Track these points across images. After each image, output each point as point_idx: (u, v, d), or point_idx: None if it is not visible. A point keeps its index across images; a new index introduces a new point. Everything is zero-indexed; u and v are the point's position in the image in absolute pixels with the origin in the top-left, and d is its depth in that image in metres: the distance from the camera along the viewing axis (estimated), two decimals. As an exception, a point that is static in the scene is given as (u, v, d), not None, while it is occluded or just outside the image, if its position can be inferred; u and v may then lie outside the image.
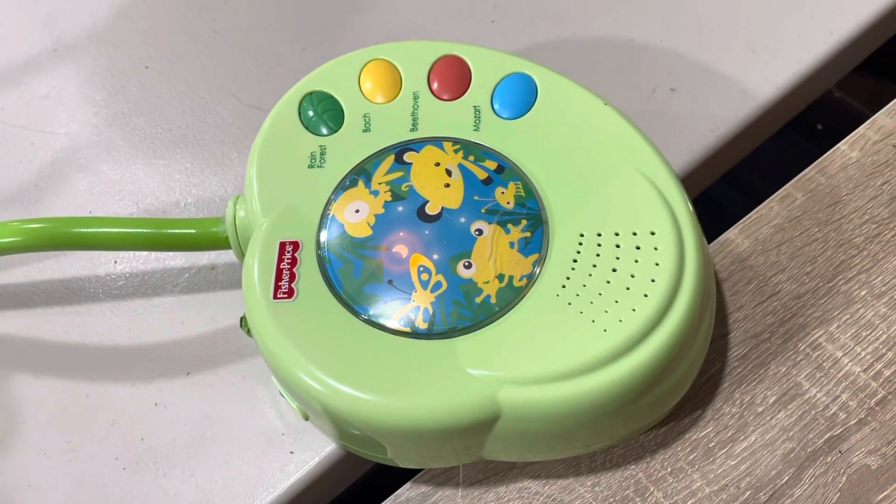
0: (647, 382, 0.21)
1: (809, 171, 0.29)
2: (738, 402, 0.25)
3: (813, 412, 0.25)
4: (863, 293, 0.27)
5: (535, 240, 0.23)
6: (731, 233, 0.29)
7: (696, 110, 0.31)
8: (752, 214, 0.29)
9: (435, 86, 0.26)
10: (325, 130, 0.26)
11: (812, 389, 0.25)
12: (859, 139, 0.30)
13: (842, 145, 0.30)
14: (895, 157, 0.29)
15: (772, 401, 0.25)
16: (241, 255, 0.26)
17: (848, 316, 0.26)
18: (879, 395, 0.25)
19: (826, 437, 0.24)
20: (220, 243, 0.26)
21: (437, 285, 0.22)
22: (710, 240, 0.29)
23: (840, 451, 0.24)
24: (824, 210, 0.28)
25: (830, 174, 0.29)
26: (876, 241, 0.28)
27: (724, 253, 0.28)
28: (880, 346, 0.26)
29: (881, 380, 0.25)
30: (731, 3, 0.34)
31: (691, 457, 0.25)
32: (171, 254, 0.30)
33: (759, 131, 0.32)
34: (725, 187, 0.41)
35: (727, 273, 0.28)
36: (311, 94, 0.26)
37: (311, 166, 0.25)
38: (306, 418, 0.24)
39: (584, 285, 0.22)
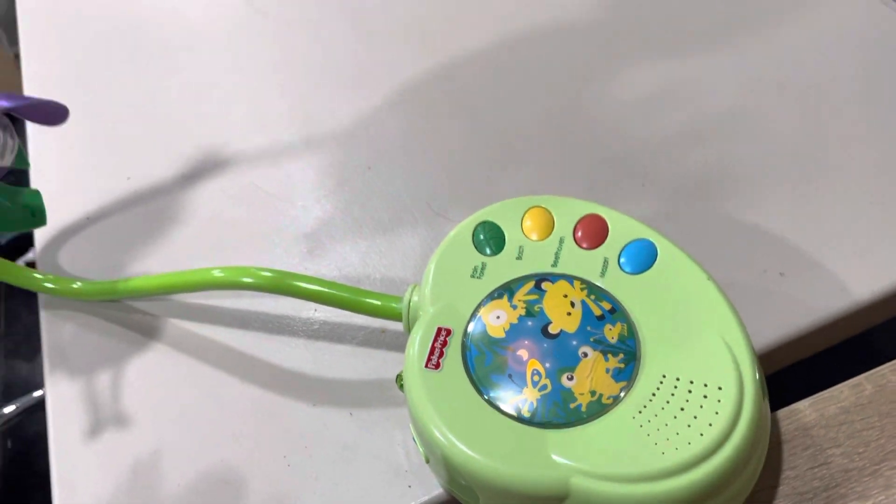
0: (688, 500, 0.26)
1: (883, 369, 0.33)
2: (772, 544, 0.29)
3: (835, 570, 0.29)
4: (905, 483, 0.30)
5: (627, 371, 0.29)
6: (802, 404, 0.33)
7: (796, 296, 0.36)
8: (824, 393, 0.33)
9: (578, 234, 0.33)
10: (488, 251, 0.33)
11: (839, 551, 0.29)
12: (935, 351, 0.33)
13: (918, 353, 0.33)
14: (964, 374, 0.33)
15: (801, 551, 0.29)
16: (408, 329, 0.34)
17: (884, 497, 0.30)
18: (897, 572, 0.28)
19: None
20: (395, 316, 0.35)
21: (544, 387, 0.29)
22: (783, 405, 0.33)
23: None
24: (888, 404, 0.32)
25: (902, 375, 0.33)
26: (928, 441, 0.31)
27: (792, 419, 0.33)
28: (909, 531, 0.29)
29: (902, 559, 0.28)
30: (852, 209, 0.39)
31: (721, 578, 0.29)
32: (356, 314, 0.39)
33: (848, 326, 0.36)
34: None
35: (790, 436, 0.32)
36: (485, 222, 0.34)
37: (472, 276, 0.33)
38: (427, 461, 0.31)
39: (656, 415, 0.28)
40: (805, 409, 0.33)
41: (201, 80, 0.55)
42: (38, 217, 0.42)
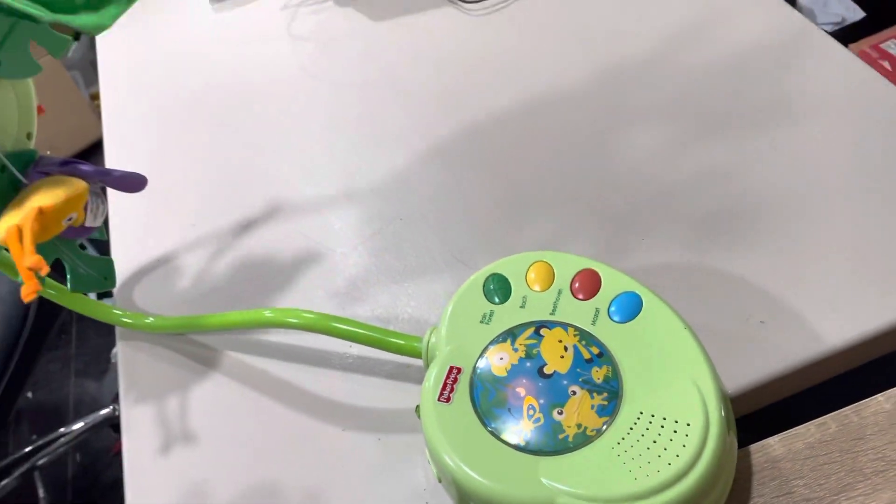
0: (654, 521, 0.31)
1: (847, 410, 0.37)
2: (738, 562, 0.34)
3: (791, 586, 0.32)
4: (858, 512, 0.34)
5: (609, 408, 0.34)
6: (773, 439, 0.37)
7: (775, 342, 0.40)
8: (793, 430, 0.37)
9: (575, 286, 0.38)
10: (496, 300, 0.38)
11: (796, 570, 0.33)
12: (894, 394, 0.37)
13: (879, 396, 0.37)
14: (920, 416, 0.36)
15: (762, 569, 0.33)
16: (427, 365, 0.39)
17: (841, 525, 0.34)
18: (845, 590, 0.32)
19: None
20: (416, 354, 0.40)
21: (537, 420, 0.34)
22: (755, 440, 0.37)
23: None
24: (848, 442, 0.36)
25: (863, 416, 0.37)
26: (881, 475, 0.35)
27: (762, 452, 0.37)
28: (858, 555, 0.33)
29: (851, 579, 0.32)
30: (828, 263, 0.43)
31: (691, 590, 0.33)
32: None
33: (819, 371, 0.40)
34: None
35: (760, 467, 0.36)
36: (494, 274, 0.39)
37: (481, 322, 0.38)
38: (440, 481, 0.36)
39: (632, 446, 0.32)
40: (774, 444, 0.37)
41: (258, 138, 0.62)
42: (110, 281, 0.48)
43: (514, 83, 0.59)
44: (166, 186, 0.60)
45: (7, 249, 0.37)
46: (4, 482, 1.20)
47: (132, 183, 0.42)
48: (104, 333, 1.41)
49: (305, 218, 0.54)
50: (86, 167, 0.38)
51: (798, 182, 0.47)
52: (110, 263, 0.49)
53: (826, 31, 0.57)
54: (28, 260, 0.31)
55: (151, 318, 0.48)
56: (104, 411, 1.24)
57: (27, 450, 1.22)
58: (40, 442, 1.22)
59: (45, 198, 0.33)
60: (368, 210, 0.53)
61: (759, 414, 0.40)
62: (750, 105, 0.53)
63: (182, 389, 0.46)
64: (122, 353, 0.50)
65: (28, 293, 0.31)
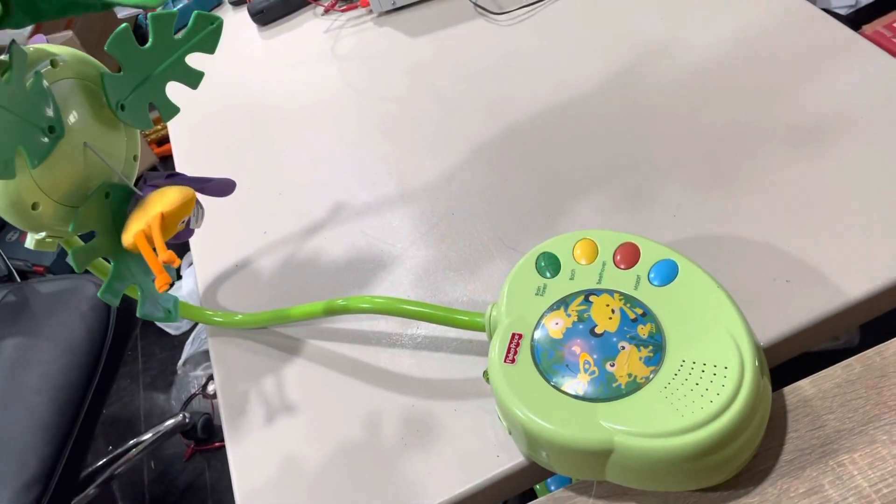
0: (700, 451, 0.35)
1: (870, 352, 0.41)
2: (779, 487, 0.38)
3: (826, 505, 0.37)
4: (884, 438, 0.38)
5: (655, 358, 0.38)
6: (803, 382, 0.41)
7: (801, 299, 0.44)
8: (822, 372, 0.41)
9: (617, 258, 0.43)
10: (548, 275, 0.43)
11: (830, 491, 0.37)
12: (912, 336, 0.41)
13: (899, 338, 0.41)
14: (936, 352, 0.40)
15: (801, 491, 0.37)
16: (490, 336, 0.44)
17: (869, 450, 0.38)
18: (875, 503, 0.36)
19: (831, 522, 0.36)
20: (479, 328, 0.45)
21: (593, 373, 0.38)
22: (788, 383, 0.41)
23: (839, 533, 0.36)
24: (872, 379, 0.40)
25: (885, 357, 0.41)
26: (904, 406, 0.39)
27: (795, 394, 0.41)
28: (885, 474, 0.37)
29: (879, 494, 0.36)
30: (845, 227, 0.47)
31: (739, 514, 0.37)
32: (449, 328, 0.49)
33: (841, 322, 0.44)
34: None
35: (793, 406, 0.40)
36: (544, 252, 0.44)
37: (536, 294, 0.42)
38: (509, 433, 0.41)
39: (677, 389, 0.37)
40: (805, 386, 0.41)
41: (314, 152, 0.68)
42: (174, 315, 0.50)
43: (544, 84, 0.64)
44: (237, 201, 0.66)
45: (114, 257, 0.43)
46: (85, 493, 1.27)
47: (225, 188, 0.48)
48: (168, 348, 1.48)
49: (365, 220, 0.59)
50: (188, 177, 0.43)
51: (812, 155, 0.51)
52: (176, 300, 0.51)
53: (841, 14, 0.61)
54: (162, 255, 0.36)
55: (240, 316, 0.54)
56: (173, 420, 1.31)
57: (104, 460, 1.29)
58: (116, 452, 1.29)
59: (163, 204, 0.39)
60: (422, 209, 0.58)
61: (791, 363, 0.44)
62: (765, 88, 0.57)
63: (270, 375, 0.52)
64: (214, 348, 0.55)
65: (162, 284, 0.36)
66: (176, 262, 0.37)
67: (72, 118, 0.39)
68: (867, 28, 1.17)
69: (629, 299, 0.41)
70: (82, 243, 0.42)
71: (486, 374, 0.43)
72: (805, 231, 0.47)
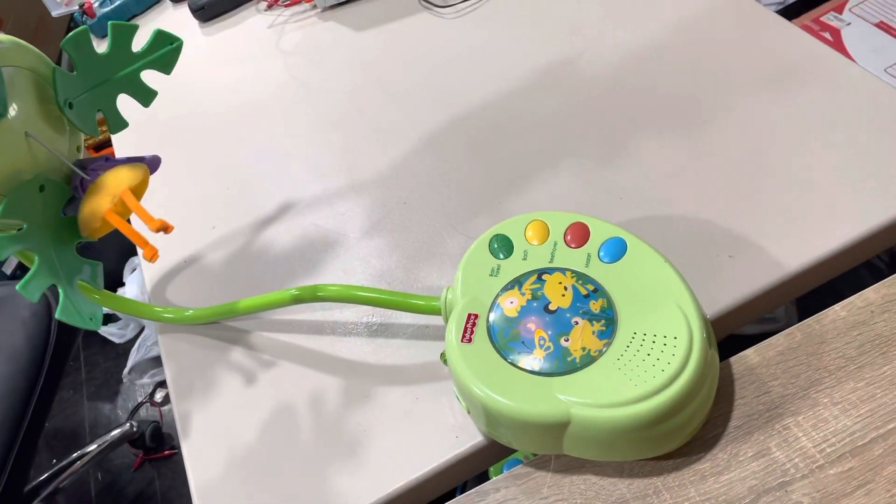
0: (654, 419, 0.36)
1: (809, 320, 0.43)
2: (728, 452, 0.39)
3: (774, 465, 0.38)
4: (825, 400, 0.40)
5: (608, 332, 0.39)
6: (749, 351, 0.43)
7: (742, 273, 0.46)
8: (765, 341, 0.43)
9: (568, 238, 0.44)
10: (501, 256, 0.44)
11: (777, 453, 0.38)
12: (848, 304, 0.43)
13: (836, 306, 0.43)
14: (870, 318, 0.42)
15: (750, 454, 0.39)
16: (446, 319, 0.44)
17: (812, 413, 0.39)
18: (819, 462, 0.37)
19: (779, 481, 0.37)
20: (436, 312, 0.45)
21: (548, 348, 0.39)
22: (733, 353, 0.43)
23: (786, 491, 0.37)
24: (813, 346, 0.42)
25: (823, 324, 0.43)
26: (843, 370, 0.40)
27: (741, 363, 0.42)
28: (828, 434, 0.38)
29: (823, 454, 0.38)
30: (782, 202, 0.49)
31: (692, 478, 0.39)
32: (405, 313, 0.49)
33: (783, 294, 0.46)
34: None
35: (739, 375, 0.42)
36: (497, 234, 0.45)
37: (490, 275, 0.43)
38: (468, 412, 0.41)
39: (630, 360, 0.38)
40: (750, 354, 0.42)
41: (263, 146, 0.67)
42: (95, 322, 0.46)
43: (490, 75, 0.65)
44: (185, 197, 0.64)
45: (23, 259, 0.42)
46: (28, 509, 1.23)
47: (154, 164, 0.47)
48: (112, 357, 1.44)
49: (317, 211, 0.59)
50: (123, 158, 0.43)
51: (751, 139, 0.53)
52: (100, 309, 0.49)
53: (771, 10, 0.63)
54: (154, 223, 0.36)
55: (191, 311, 0.53)
56: (120, 429, 1.27)
57: (47, 474, 1.25)
58: (60, 464, 1.25)
59: (128, 180, 0.38)
60: (374, 198, 0.58)
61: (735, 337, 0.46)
62: (705, 76, 0.59)
63: (224, 369, 0.51)
64: (164, 345, 0.54)
65: (152, 254, 0.36)
66: (170, 227, 0.36)
67: (15, 106, 0.38)
68: (796, 22, 1.22)
69: (581, 276, 0.42)
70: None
71: (443, 355, 0.43)
72: (745, 209, 0.49)
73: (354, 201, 0.59)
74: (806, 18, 1.20)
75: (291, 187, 0.62)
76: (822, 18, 1.17)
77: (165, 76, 0.49)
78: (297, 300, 0.49)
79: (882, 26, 1.10)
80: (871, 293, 0.43)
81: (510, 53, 0.67)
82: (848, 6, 1.15)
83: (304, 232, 0.58)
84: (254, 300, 0.51)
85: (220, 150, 0.68)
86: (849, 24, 1.13)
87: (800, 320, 0.44)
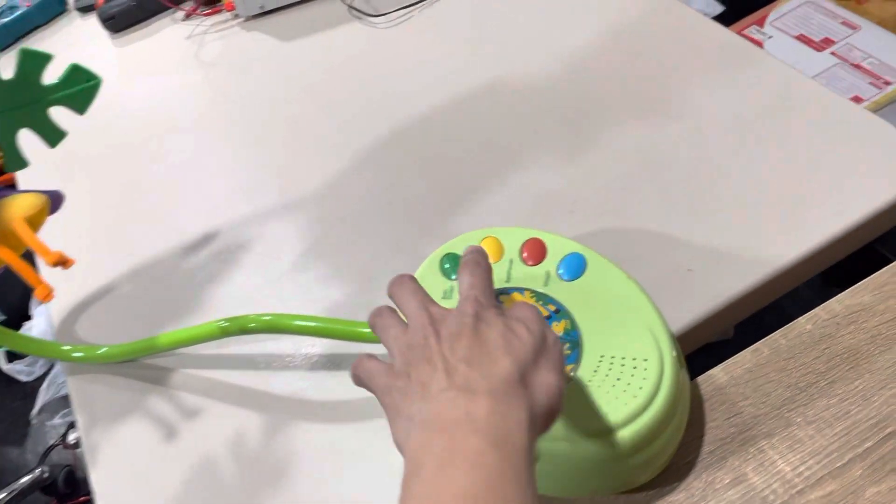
0: (630, 449, 0.33)
1: (775, 335, 0.41)
2: (704, 480, 0.37)
3: (752, 493, 0.36)
4: (798, 420, 0.38)
5: (573, 356, 0.36)
6: (716, 370, 0.41)
7: (702, 287, 0.44)
8: (732, 359, 0.41)
9: (524, 255, 0.41)
10: (454, 277, 0.40)
11: (754, 478, 0.36)
12: (813, 316, 0.41)
13: (801, 319, 0.42)
14: (836, 331, 0.41)
15: (726, 482, 0.36)
16: (395, 348, 0.40)
17: (786, 433, 0.37)
18: (799, 487, 0.35)
19: (759, 510, 0.35)
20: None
21: (510, 376, 0.36)
22: (701, 373, 0.41)
23: (767, 520, 0.35)
24: (781, 362, 0.40)
25: (790, 338, 0.41)
26: (814, 386, 0.39)
27: (709, 383, 0.40)
28: (805, 456, 0.36)
29: (801, 477, 0.36)
30: (738, 213, 0.47)
31: (667, 512, 0.36)
32: (348, 343, 0.45)
33: (745, 306, 0.44)
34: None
35: (709, 395, 0.40)
36: (448, 254, 0.41)
37: (443, 298, 0.40)
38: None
39: (599, 386, 0.35)
40: (718, 373, 0.40)
41: (187, 164, 0.62)
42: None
43: (427, 85, 0.62)
44: (97, 222, 0.59)
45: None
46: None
47: (57, 200, 0.43)
48: (20, 397, 1.33)
49: (247, 232, 0.54)
50: (21, 190, 0.38)
51: (700, 149, 0.52)
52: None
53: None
54: (49, 258, 0.31)
55: (104, 349, 0.47)
56: (30, 475, 1.17)
57: (-52, 531, 1.14)
58: (-38, 519, 1.14)
59: (23, 209, 0.34)
60: (309, 217, 0.54)
61: (701, 351, 0.44)
62: (644, 84, 0.57)
63: (143, 414, 0.46)
64: (74, 388, 0.48)
65: (45, 295, 0.31)
66: (69, 261, 0.32)
67: None
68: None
69: (540, 296, 0.39)
70: None
71: (393, 388, 0.39)
72: (703, 221, 0.47)
73: (288, 221, 0.54)
74: (734, 30, 1.22)
75: (217, 207, 0.57)
76: (744, 32, 1.19)
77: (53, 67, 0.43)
78: (226, 333, 0.45)
79: (802, 39, 1.13)
80: (835, 304, 0.42)
81: (448, 63, 0.64)
82: (769, 20, 1.18)
83: (234, 255, 0.53)
84: (176, 334, 0.46)
85: (136, 170, 0.63)
86: (770, 37, 1.16)
87: (736, 333, 0.43)
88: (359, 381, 0.33)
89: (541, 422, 0.28)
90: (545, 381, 0.29)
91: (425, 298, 0.34)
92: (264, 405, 0.44)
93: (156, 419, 0.45)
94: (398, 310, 0.34)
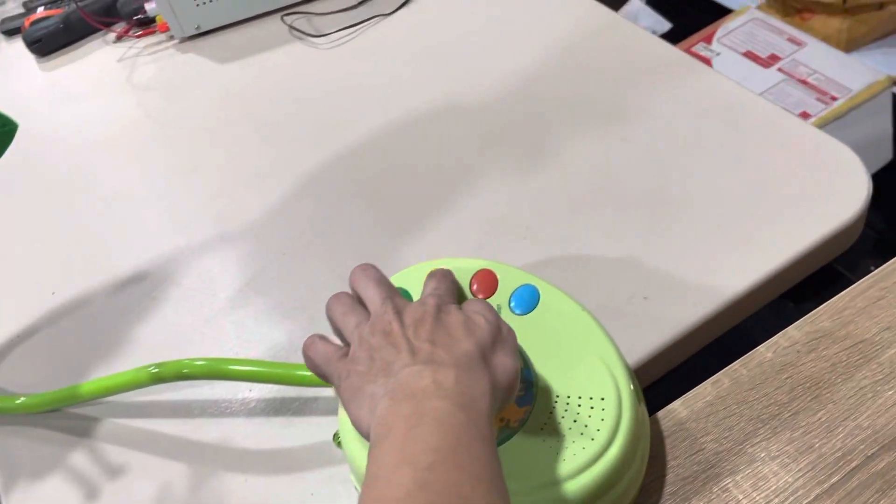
0: (590, 495, 0.31)
1: (735, 364, 0.40)
2: (667, 524, 0.35)
3: (718, 536, 0.34)
4: (762, 455, 0.36)
5: (528, 397, 0.34)
6: (676, 404, 0.39)
7: (659, 315, 0.43)
8: (692, 392, 0.39)
9: (474, 287, 0.39)
10: (399, 314, 0.38)
11: (719, 520, 0.35)
12: (773, 344, 0.40)
13: (760, 347, 0.40)
14: (797, 359, 0.39)
15: (690, 525, 0.35)
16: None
17: (750, 470, 0.36)
18: (766, 528, 0.34)
19: (725, 554, 0.33)
20: (325, 384, 0.38)
21: (460, 422, 0.33)
22: (659, 408, 0.39)
23: (734, 565, 0.33)
24: (743, 393, 0.39)
25: (750, 368, 0.40)
26: (777, 419, 0.37)
27: (669, 418, 0.38)
28: (770, 494, 0.35)
29: (768, 517, 0.34)
30: (695, 237, 0.46)
31: (630, 560, 0.34)
32: (289, 387, 0.43)
33: (703, 335, 0.42)
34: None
35: (669, 432, 0.38)
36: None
37: (388, 337, 0.37)
38: None
39: (554, 429, 0.33)
40: (678, 408, 0.39)
41: (113, 193, 0.58)
42: None
43: (370, 108, 0.60)
44: (15, 259, 0.55)
45: None
46: None
47: None
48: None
49: (180, 267, 0.51)
50: None
51: (651, 171, 0.51)
52: None
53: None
54: None
55: (23, 398, 0.44)
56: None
57: None
58: None
59: None
60: (247, 250, 0.51)
61: (659, 383, 0.42)
62: (593, 104, 0.56)
63: (67, 468, 0.42)
64: (-10, 442, 0.44)
65: None
66: None
67: None
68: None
69: (491, 333, 0.37)
70: None
71: (336, 437, 0.36)
72: (657, 245, 0.46)
73: (224, 254, 0.51)
74: (681, 48, 1.23)
75: (149, 240, 0.54)
76: (693, 49, 1.20)
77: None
78: (158, 379, 0.42)
79: (749, 55, 1.14)
80: (794, 331, 0.41)
81: (392, 85, 0.62)
82: (717, 37, 1.19)
83: (165, 293, 0.50)
84: (102, 382, 0.43)
85: (61, 201, 0.59)
86: (718, 53, 1.17)
87: (694, 355, 0.42)
88: (312, 363, 0.34)
89: (500, 397, 0.30)
90: (503, 361, 0.31)
91: (390, 288, 0.36)
92: (197, 456, 0.41)
93: (80, 475, 0.42)
94: (360, 295, 0.36)
